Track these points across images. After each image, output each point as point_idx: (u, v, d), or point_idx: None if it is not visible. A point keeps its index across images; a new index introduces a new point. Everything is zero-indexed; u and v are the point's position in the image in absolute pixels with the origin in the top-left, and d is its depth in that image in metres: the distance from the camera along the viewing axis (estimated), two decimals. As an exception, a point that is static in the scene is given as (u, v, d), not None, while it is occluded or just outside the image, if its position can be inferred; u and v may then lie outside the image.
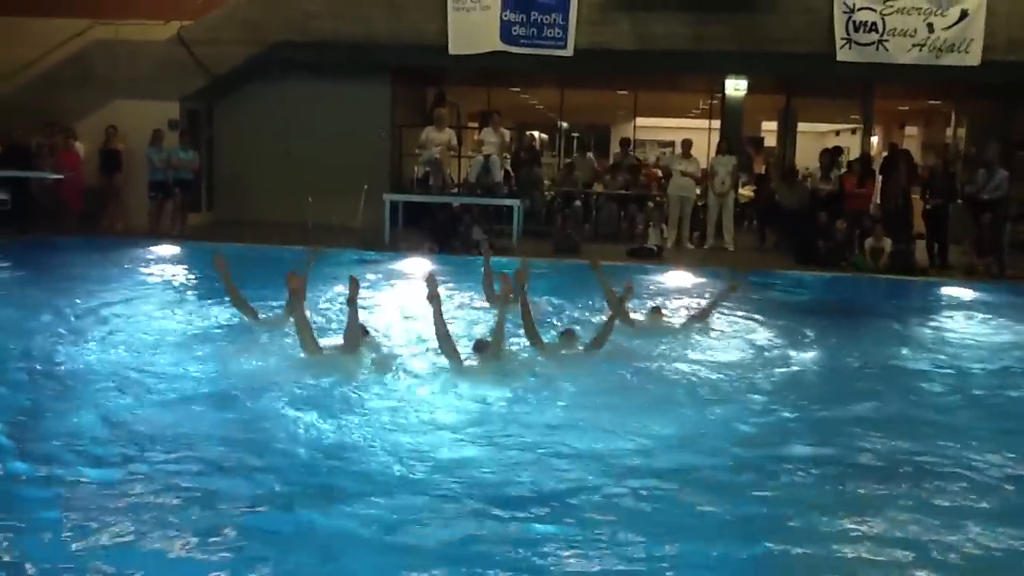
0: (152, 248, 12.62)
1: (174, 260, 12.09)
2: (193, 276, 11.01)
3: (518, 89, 20.61)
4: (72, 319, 8.17)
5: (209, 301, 9.10)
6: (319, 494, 4.58)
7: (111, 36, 15.39)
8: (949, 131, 20.49)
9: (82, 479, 4.64)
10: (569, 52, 14.56)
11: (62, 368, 6.63)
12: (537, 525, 4.34)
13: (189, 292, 10.03)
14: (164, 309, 8.82)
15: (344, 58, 15.29)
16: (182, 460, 4.93)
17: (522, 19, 14.59)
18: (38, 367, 6.63)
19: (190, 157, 14.52)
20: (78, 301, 8.82)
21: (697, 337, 8.25)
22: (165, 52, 15.18)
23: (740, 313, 9.34)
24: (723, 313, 9.21)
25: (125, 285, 9.95)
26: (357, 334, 6.85)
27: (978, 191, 13.74)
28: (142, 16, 15.40)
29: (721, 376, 7.06)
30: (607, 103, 22.13)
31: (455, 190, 15.00)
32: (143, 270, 11.16)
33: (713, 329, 8.57)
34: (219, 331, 7.88)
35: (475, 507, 4.50)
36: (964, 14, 13.81)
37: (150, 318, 8.37)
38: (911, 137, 24.32)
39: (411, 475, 4.90)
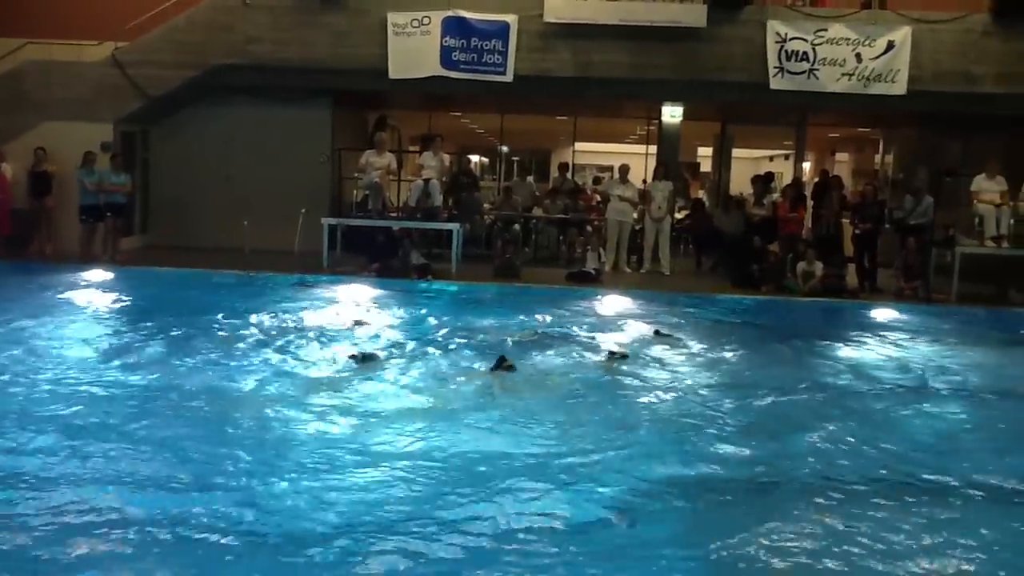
0: (82, 273, 12.33)
1: (105, 285, 11.82)
2: (124, 301, 10.79)
3: (459, 113, 20.71)
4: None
5: (139, 326, 9.00)
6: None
7: (43, 56, 15.10)
8: (878, 158, 21.08)
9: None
10: (509, 78, 14.67)
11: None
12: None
13: (118, 317, 9.83)
14: (92, 334, 8.68)
15: (284, 82, 15.21)
16: (110, 489, 4.85)
17: (462, 45, 14.68)
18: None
19: (122, 180, 14.23)
20: (2, 327, 8.61)
21: (637, 358, 8.37)
22: (99, 73, 14.92)
23: (676, 335, 9.49)
24: (662, 335, 9.41)
25: (53, 310, 9.72)
26: None
27: (905, 217, 14.17)
28: (75, 36, 15.14)
29: (655, 398, 7.16)
30: (547, 128, 22.34)
31: (395, 214, 14.98)
32: (72, 295, 10.90)
33: (650, 350, 8.69)
34: (147, 357, 7.77)
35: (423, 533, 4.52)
36: (891, 45, 14.26)
37: (77, 343, 8.22)
38: (842, 163, 24.97)
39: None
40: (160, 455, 5.39)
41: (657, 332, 9.61)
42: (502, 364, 7.42)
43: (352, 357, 7.82)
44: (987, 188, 13.63)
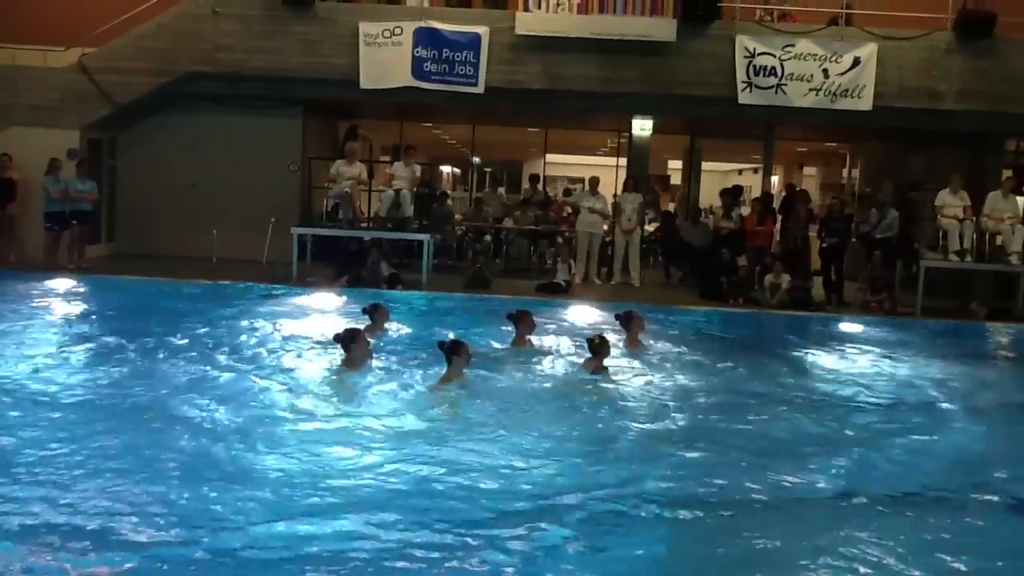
0: (46, 281, 12.12)
1: (68, 293, 11.65)
2: (87, 310, 10.64)
3: (430, 124, 20.72)
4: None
5: (104, 336, 8.89)
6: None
7: (8, 61, 14.92)
8: (845, 172, 21.36)
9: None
10: (480, 89, 14.71)
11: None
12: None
13: (84, 327, 9.70)
14: (56, 344, 8.56)
15: (254, 90, 15.15)
16: (74, 502, 4.78)
17: (434, 56, 14.70)
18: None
19: (88, 188, 14.07)
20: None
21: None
22: (66, 79, 14.76)
23: (644, 347, 9.51)
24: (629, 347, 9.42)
25: (16, 319, 9.56)
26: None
27: (871, 230, 14.36)
28: (41, 42, 14.98)
29: (623, 409, 7.16)
30: (518, 140, 22.41)
31: (365, 224, 14.95)
32: (34, 303, 10.73)
33: (619, 361, 8.70)
34: (112, 367, 7.67)
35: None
36: (857, 61, 14.47)
37: (33, 351, 8.10)
38: (809, 177, 25.28)
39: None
40: (107, 470, 5.32)
41: (617, 317, 9.46)
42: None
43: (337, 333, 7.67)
44: (950, 203, 13.84)
